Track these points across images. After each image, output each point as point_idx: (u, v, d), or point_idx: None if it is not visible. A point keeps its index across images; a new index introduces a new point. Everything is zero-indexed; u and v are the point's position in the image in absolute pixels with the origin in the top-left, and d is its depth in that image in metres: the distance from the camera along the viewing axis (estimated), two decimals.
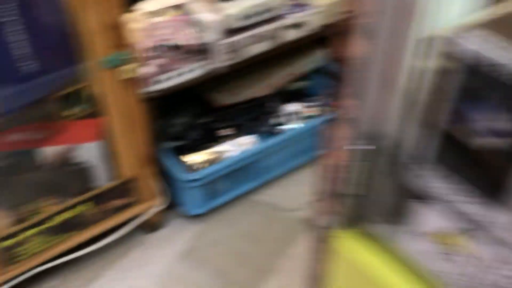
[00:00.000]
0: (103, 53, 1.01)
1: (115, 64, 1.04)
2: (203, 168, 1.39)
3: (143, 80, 1.13)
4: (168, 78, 1.18)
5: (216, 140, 1.49)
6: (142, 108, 1.16)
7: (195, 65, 1.21)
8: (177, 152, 1.46)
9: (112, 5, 0.96)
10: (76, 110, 1.09)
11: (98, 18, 0.97)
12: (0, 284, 1.21)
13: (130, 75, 1.05)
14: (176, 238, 1.44)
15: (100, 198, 1.25)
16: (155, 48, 1.14)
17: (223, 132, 1.53)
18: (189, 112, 1.56)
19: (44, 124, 1.25)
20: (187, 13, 1.20)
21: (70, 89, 1.04)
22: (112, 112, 1.11)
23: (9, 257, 1.16)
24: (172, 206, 1.50)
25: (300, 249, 1.39)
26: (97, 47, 1.00)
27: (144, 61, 1.11)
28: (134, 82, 1.10)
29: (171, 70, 1.17)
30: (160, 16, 1.18)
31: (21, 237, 1.16)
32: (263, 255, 1.39)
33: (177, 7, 1.22)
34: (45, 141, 1.21)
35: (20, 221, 1.21)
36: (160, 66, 1.16)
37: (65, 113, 1.08)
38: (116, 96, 1.09)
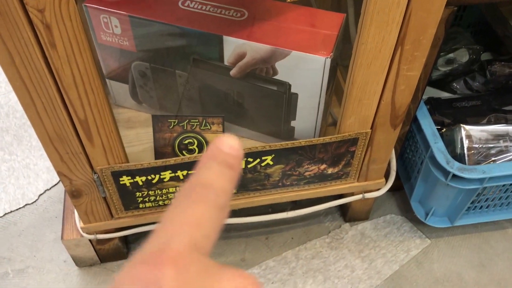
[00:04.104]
0: None
1: None
2: (481, 160, 0.77)
3: None
4: None
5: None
6: (441, 9, 0.56)
7: None
8: (436, 110, 0.85)
9: None
10: None
11: None
12: (112, 229, 0.79)
13: None
14: (385, 244, 0.88)
15: (294, 151, 0.72)
16: None
17: None
18: (473, 48, 0.91)
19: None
20: None
21: None
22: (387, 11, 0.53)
23: (142, 196, 0.72)
24: (396, 191, 0.93)
25: None
26: None
27: None
28: None
29: None
30: None
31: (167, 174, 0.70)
32: None
33: None
34: (240, 30, 0.69)
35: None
36: None
37: None
38: None
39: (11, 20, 0.46)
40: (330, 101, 0.82)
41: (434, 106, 0.84)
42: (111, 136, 0.61)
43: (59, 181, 0.96)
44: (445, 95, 0.91)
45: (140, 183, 0.70)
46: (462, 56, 0.87)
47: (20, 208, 0.91)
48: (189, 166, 0.70)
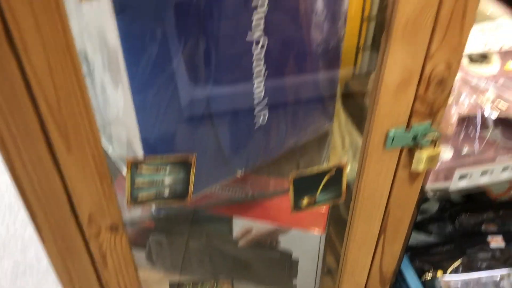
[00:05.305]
0: (394, 121, 0.56)
1: (406, 144, 0.58)
2: None
3: (435, 171, 0.66)
4: (468, 176, 0.69)
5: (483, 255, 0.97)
6: (413, 208, 0.70)
7: None
8: (417, 257, 0.97)
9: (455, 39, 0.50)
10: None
11: (410, 60, 0.51)
12: None
13: (426, 165, 0.59)
14: None
15: None
16: (468, 120, 0.66)
17: (494, 241, 0.99)
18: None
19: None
20: None
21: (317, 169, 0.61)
22: (366, 207, 0.66)
23: None
24: None
25: None
26: (386, 111, 0.55)
27: (449, 140, 0.64)
28: (423, 173, 0.63)
29: (481, 162, 0.68)
30: (482, 64, 0.69)
31: None
32: None
33: (509, 54, 0.72)
34: (246, 210, 0.82)
35: None
36: (463, 154, 0.67)
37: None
38: (384, 189, 0.64)
39: (74, 251, 0.57)
40: (325, 256, 0.93)
41: (414, 253, 0.96)
42: None
43: None
44: (422, 237, 1.04)
45: None
46: (433, 206, 1.01)
47: None
48: None
